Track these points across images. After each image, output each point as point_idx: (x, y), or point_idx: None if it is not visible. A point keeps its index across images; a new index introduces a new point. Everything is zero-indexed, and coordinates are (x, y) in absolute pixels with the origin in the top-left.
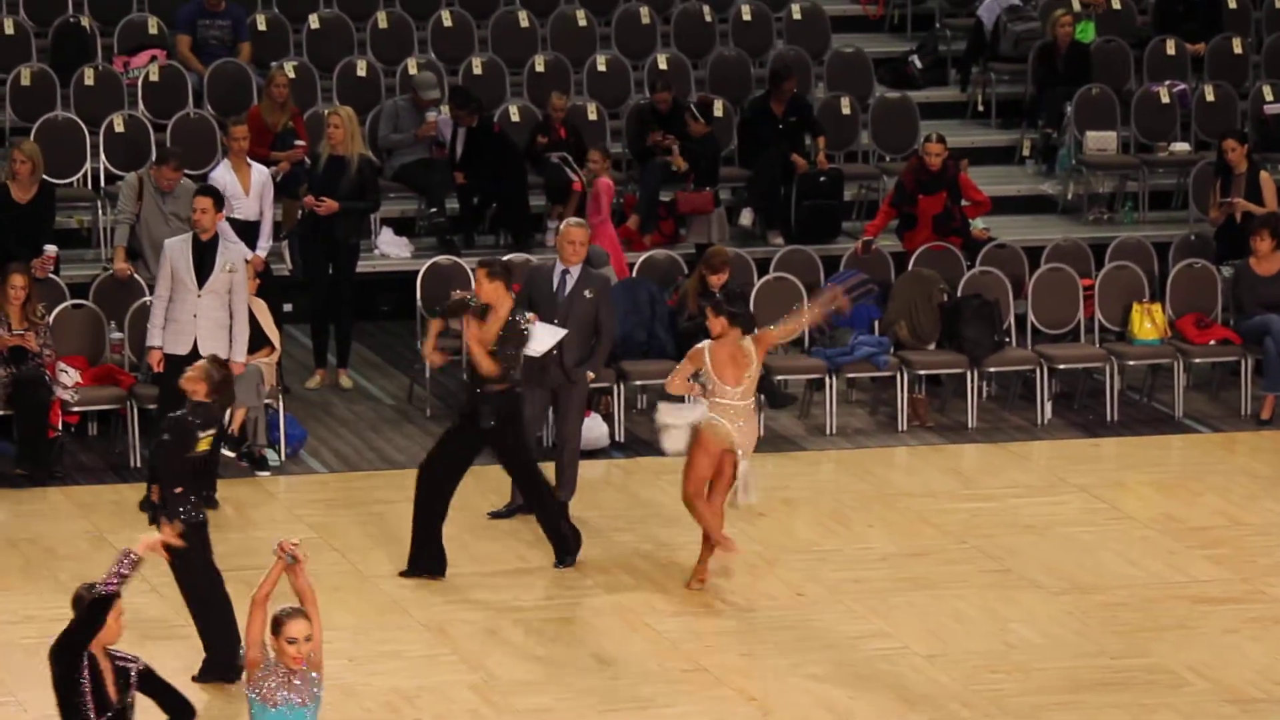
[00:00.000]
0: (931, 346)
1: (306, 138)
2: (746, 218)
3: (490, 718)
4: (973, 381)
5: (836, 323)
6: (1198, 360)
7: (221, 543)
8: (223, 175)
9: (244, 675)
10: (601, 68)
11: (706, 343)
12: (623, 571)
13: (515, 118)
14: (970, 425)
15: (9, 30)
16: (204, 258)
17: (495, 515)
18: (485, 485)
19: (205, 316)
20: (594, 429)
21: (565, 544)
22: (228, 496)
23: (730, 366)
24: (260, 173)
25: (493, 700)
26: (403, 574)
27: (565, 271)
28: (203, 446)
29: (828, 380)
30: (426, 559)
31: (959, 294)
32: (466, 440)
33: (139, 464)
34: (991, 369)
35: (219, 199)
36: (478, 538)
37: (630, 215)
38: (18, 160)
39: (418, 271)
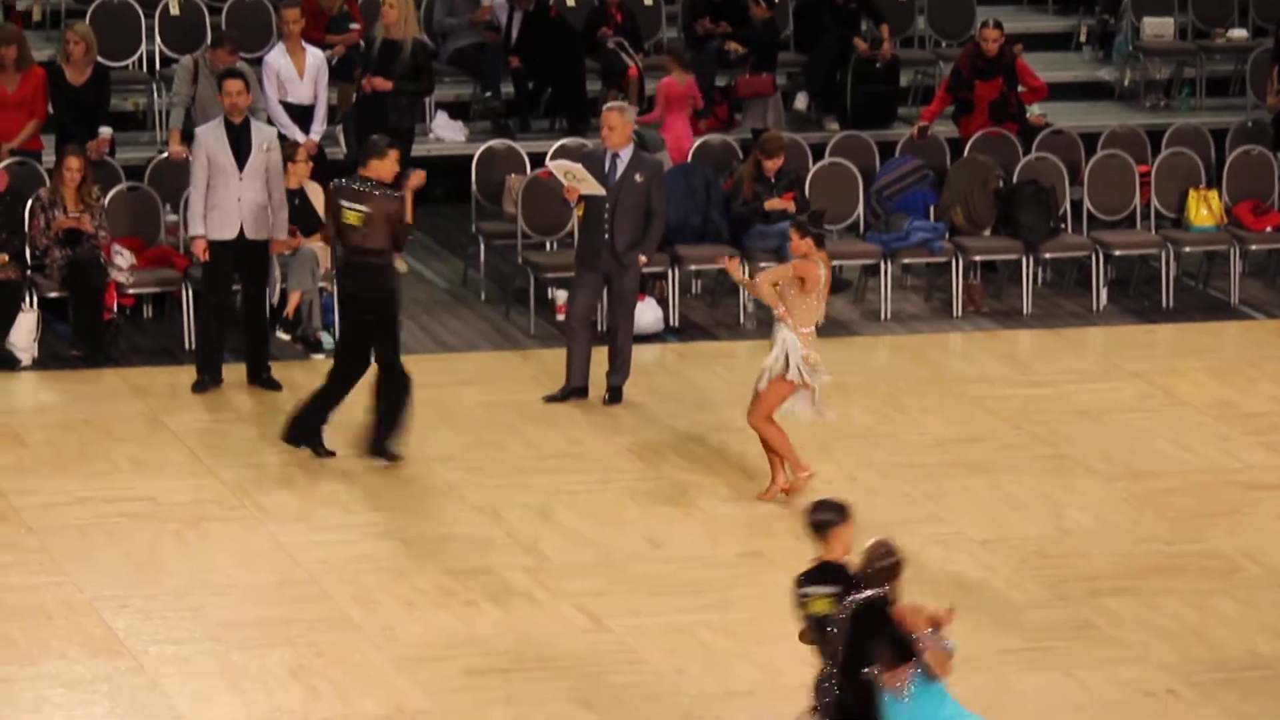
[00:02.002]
0: (987, 232)
1: (361, 21)
2: (802, 102)
3: (543, 600)
4: (1028, 267)
5: (892, 208)
6: (1254, 247)
7: (277, 426)
8: (277, 59)
9: None
10: None
11: (812, 259)
12: (676, 455)
13: (571, 2)
14: (1025, 311)
15: None
16: (240, 141)
17: (550, 399)
18: (538, 369)
19: (248, 199)
20: (648, 313)
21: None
22: (283, 378)
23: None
24: (315, 56)
25: (545, 583)
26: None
27: (615, 156)
28: None
29: (883, 265)
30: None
31: (1014, 180)
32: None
33: (193, 346)
34: (1047, 255)
35: (249, 81)
36: (531, 421)
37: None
38: (71, 42)
39: (472, 156)
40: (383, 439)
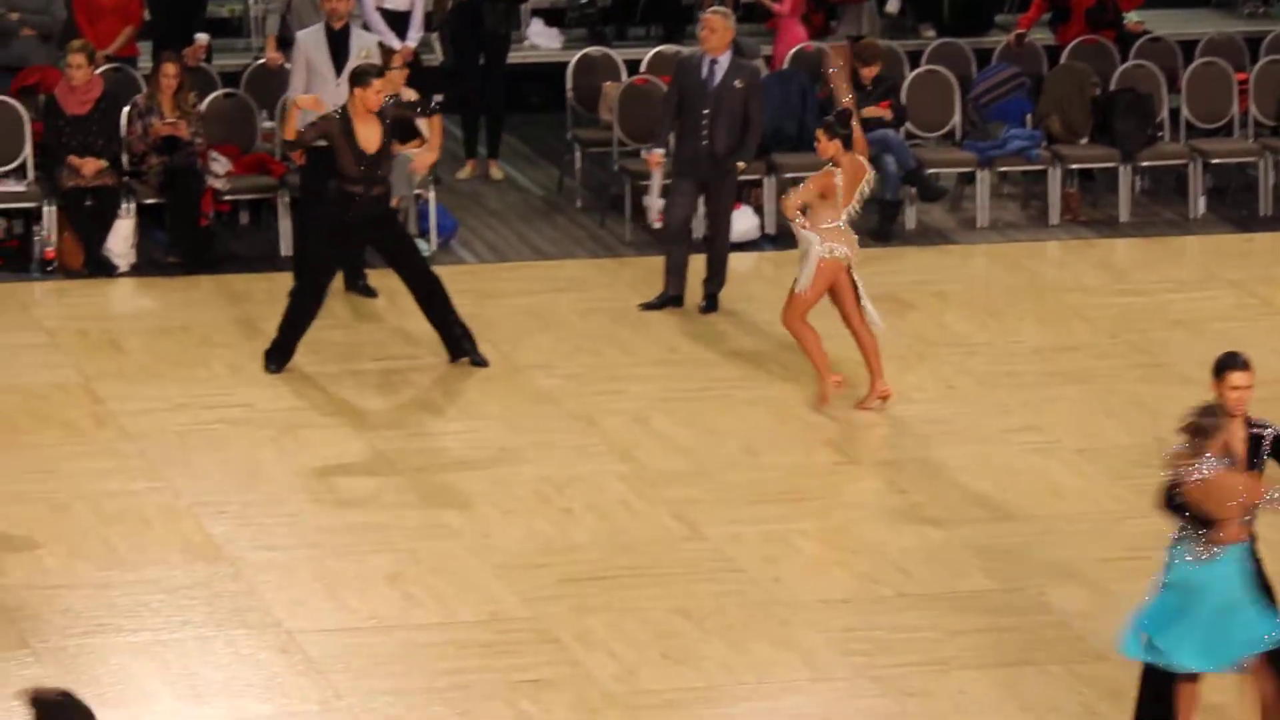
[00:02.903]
0: (1084, 140)
1: None
2: (894, 6)
3: (639, 508)
4: (1125, 175)
5: (989, 116)
6: None
7: (376, 331)
8: None
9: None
10: None
11: (829, 170)
12: (773, 363)
13: None
14: (1122, 219)
15: None
16: (338, 47)
17: (646, 306)
18: (635, 276)
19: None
20: (744, 220)
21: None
22: (380, 286)
23: (850, 190)
24: None
25: (641, 491)
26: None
27: (713, 61)
28: None
29: (979, 173)
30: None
31: (1112, 88)
32: None
33: (289, 252)
34: (1144, 163)
35: None
36: (628, 328)
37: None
38: None
39: (568, 63)
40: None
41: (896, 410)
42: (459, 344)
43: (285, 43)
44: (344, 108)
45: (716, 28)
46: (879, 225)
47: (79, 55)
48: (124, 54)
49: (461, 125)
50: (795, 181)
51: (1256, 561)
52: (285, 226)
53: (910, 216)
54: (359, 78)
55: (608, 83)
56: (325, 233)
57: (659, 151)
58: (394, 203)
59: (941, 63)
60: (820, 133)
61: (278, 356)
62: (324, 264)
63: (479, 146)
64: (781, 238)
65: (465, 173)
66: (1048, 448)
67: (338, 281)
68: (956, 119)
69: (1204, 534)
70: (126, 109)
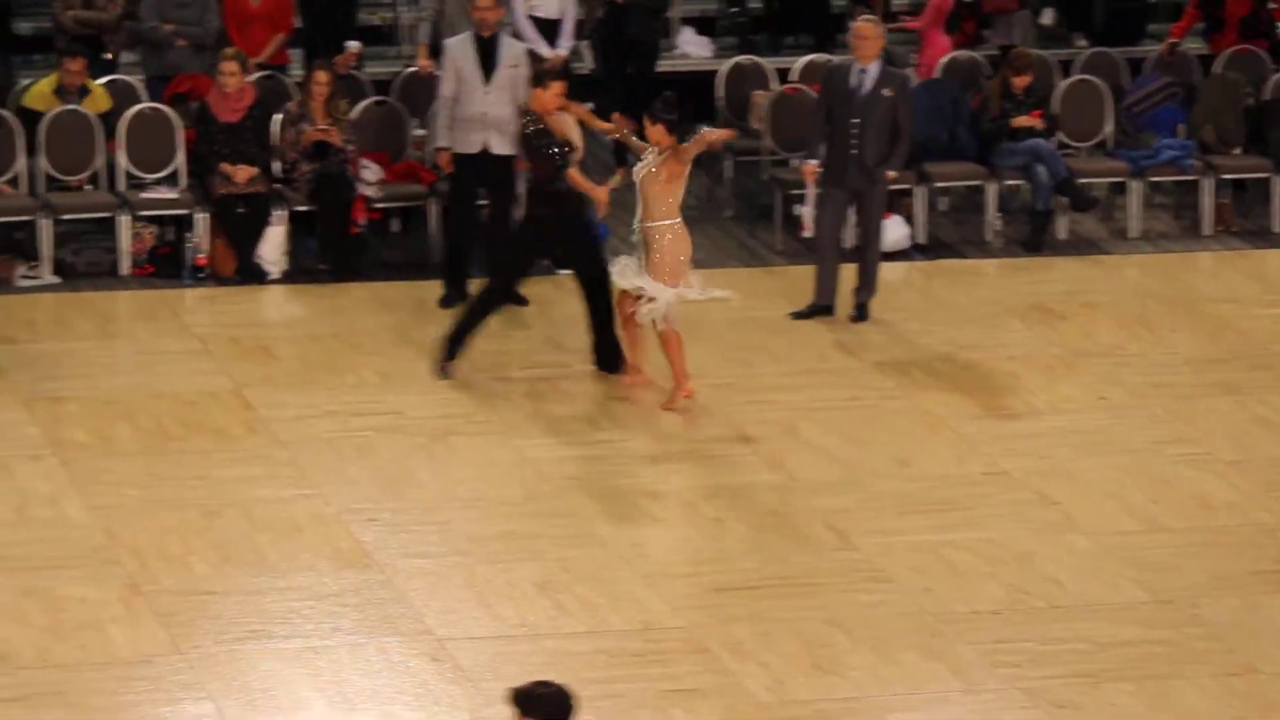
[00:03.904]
0: (1237, 150)
1: None
2: (1049, 18)
3: (790, 518)
4: (1278, 186)
5: (1141, 125)
6: None
7: (525, 341)
8: None
9: None
10: None
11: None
12: (923, 373)
13: None
14: (1275, 230)
15: None
16: (488, 55)
17: (796, 316)
18: (785, 285)
19: (494, 114)
20: (895, 230)
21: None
22: (532, 294)
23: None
24: None
25: (792, 500)
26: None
27: (863, 70)
28: None
29: (1131, 183)
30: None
31: (1266, 97)
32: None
33: (439, 260)
34: None
35: None
36: (778, 338)
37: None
38: None
39: (718, 72)
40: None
41: (1048, 420)
42: (609, 359)
43: (436, 50)
44: (533, 112)
45: (868, 36)
46: (1030, 235)
47: (231, 63)
48: (275, 62)
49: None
50: (945, 192)
51: None
52: (435, 234)
53: (1061, 226)
54: (538, 79)
55: (758, 91)
56: (527, 234)
57: (813, 163)
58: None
59: (1094, 72)
60: (645, 116)
61: (451, 348)
62: (516, 266)
63: (628, 155)
64: (933, 248)
65: (614, 181)
66: (1200, 459)
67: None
68: (1109, 129)
69: None
70: (278, 116)
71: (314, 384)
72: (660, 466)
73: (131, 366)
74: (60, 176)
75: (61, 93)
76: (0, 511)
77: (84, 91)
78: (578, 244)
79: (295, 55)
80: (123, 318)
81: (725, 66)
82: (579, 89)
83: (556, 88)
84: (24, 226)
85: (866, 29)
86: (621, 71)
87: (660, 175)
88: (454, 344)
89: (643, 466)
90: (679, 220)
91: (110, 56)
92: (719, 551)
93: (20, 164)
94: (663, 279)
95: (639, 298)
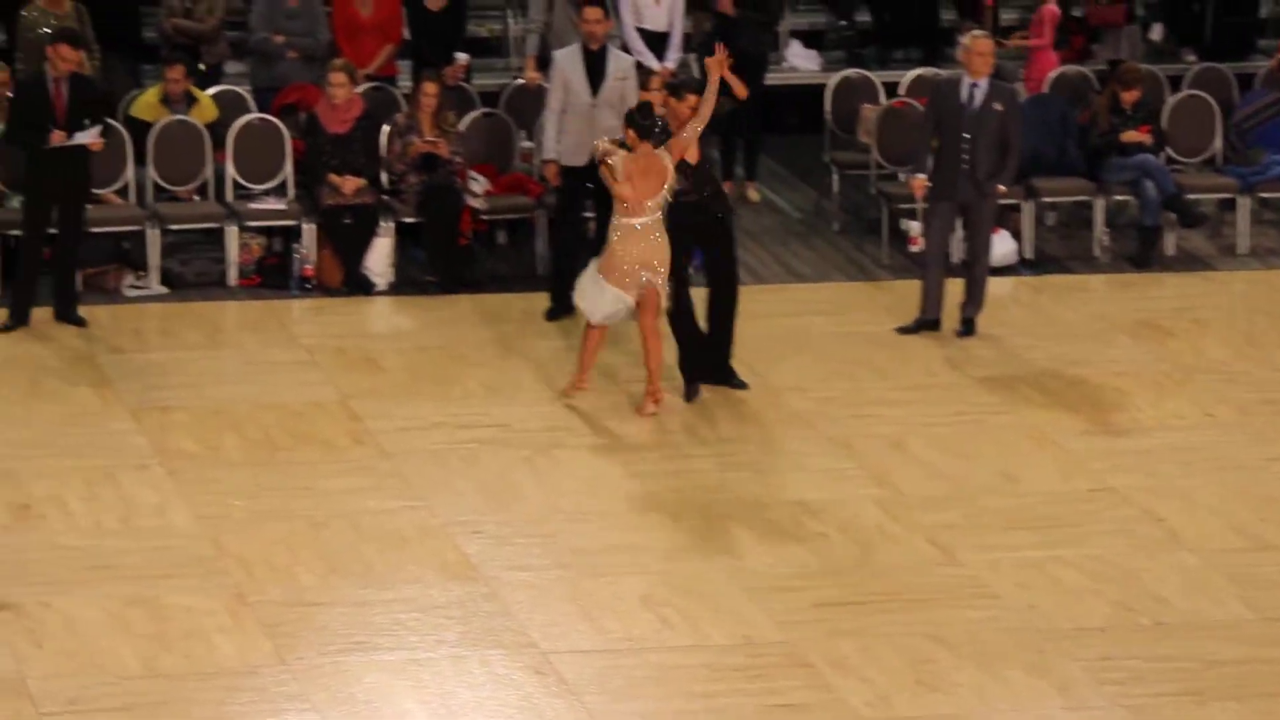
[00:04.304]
0: None
1: None
2: (1158, 33)
3: (895, 533)
4: None
5: (1251, 141)
6: None
7: (630, 355)
8: None
9: None
10: None
11: (622, 154)
12: (1030, 388)
13: None
14: None
15: None
16: (595, 67)
17: (903, 330)
18: (891, 300)
19: (602, 127)
20: (1002, 245)
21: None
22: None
23: (643, 180)
24: None
25: (897, 515)
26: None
27: (974, 85)
28: None
29: (1240, 199)
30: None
31: None
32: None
33: (547, 272)
34: None
35: (608, 8)
36: (884, 352)
37: None
38: None
39: (826, 85)
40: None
41: (1155, 436)
42: (721, 371)
43: (544, 62)
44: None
45: (984, 51)
46: (1138, 251)
47: (340, 74)
48: (384, 73)
49: (718, 146)
50: (1053, 207)
51: None
52: (542, 246)
53: (1170, 242)
54: (674, 90)
55: (866, 105)
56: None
57: (922, 177)
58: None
59: (1203, 88)
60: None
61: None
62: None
63: (736, 168)
64: (1041, 262)
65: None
66: None
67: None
68: (1217, 144)
69: None
70: (386, 128)
71: (420, 395)
72: (765, 480)
73: (239, 377)
74: (168, 187)
75: (168, 102)
76: (107, 521)
77: (191, 101)
78: (713, 248)
79: (404, 67)
80: (230, 328)
81: (833, 80)
82: None
83: (692, 100)
84: (132, 236)
85: (985, 45)
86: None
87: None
88: (689, 366)
89: (748, 479)
90: (634, 222)
91: (205, 67)
92: (823, 566)
93: (129, 174)
94: (608, 276)
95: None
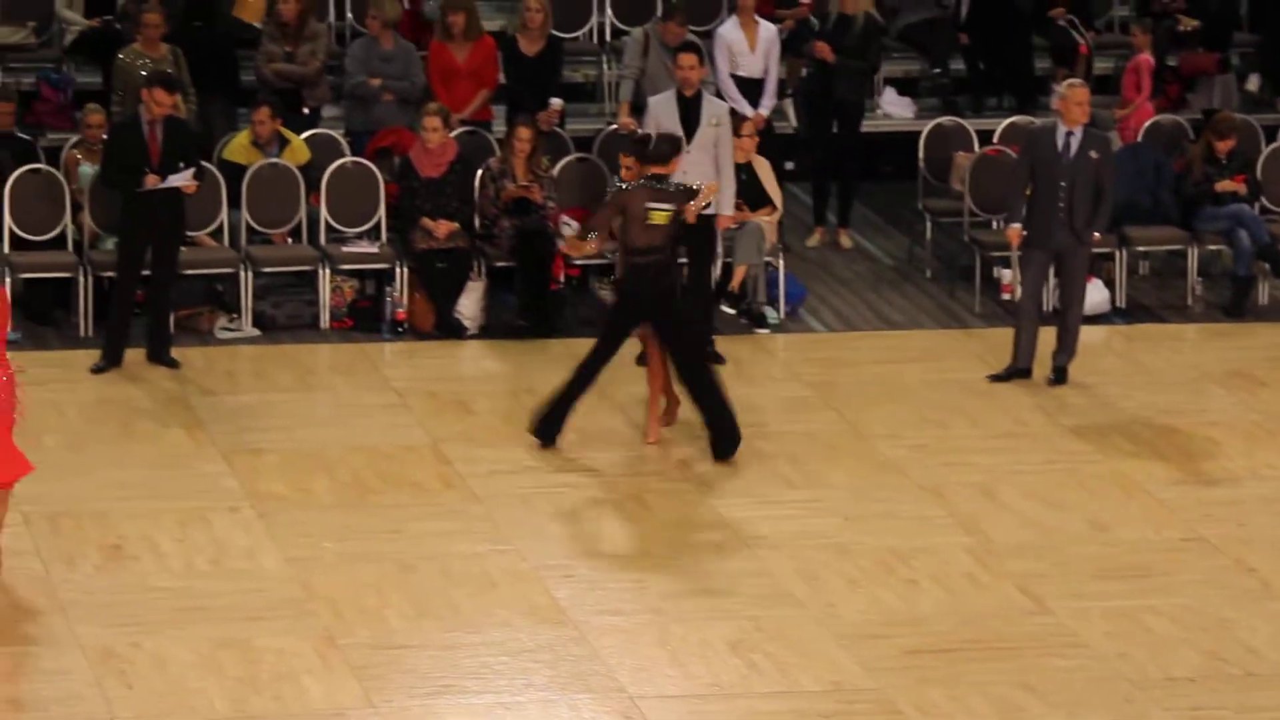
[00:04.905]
0: None
1: None
2: (1254, 83)
3: (984, 581)
4: None
5: None
6: None
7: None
8: (730, 31)
9: None
10: None
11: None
12: (1122, 438)
13: None
14: None
15: None
16: (690, 113)
17: (994, 378)
18: (983, 347)
19: (693, 172)
20: (1095, 293)
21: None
22: (728, 353)
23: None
24: (767, 29)
25: (987, 563)
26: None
27: (1069, 133)
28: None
29: None
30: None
31: None
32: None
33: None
34: None
35: (702, 55)
36: (976, 400)
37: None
38: (531, 10)
39: (920, 132)
40: (721, 438)
41: (1247, 486)
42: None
43: (638, 108)
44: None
45: (1082, 100)
46: (1231, 300)
47: (434, 118)
48: (479, 117)
49: (811, 193)
50: (1146, 256)
51: None
52: None
53: (1263, 292)
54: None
55: (959, 153)
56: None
57: (1017, 226)
58: (741, 270)
59: None
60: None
61: (548, 428)
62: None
63: (828, 214)
64: (1133, 311)
65: (813, 240)
66: None
67: None
68: None
69: None
70: (480, 172)
71: (510, 440)
72: (856, 526)
73: (330, 420)
74: (261, 229)
75: (259, 145)
76: (198, 563)
77: (283, 143)
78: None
79: (499, 111)
80: (322, 371)
81: (927, 127)
82: (781, 148)
83: (748, 129)
84: (225, 279)
85: (1083, 94)
86: (825, 131)
87: None
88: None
89: (839, 526)
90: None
91: (308, 110)
92: (912, 613)
93: (222, 216)
94: None
95: None
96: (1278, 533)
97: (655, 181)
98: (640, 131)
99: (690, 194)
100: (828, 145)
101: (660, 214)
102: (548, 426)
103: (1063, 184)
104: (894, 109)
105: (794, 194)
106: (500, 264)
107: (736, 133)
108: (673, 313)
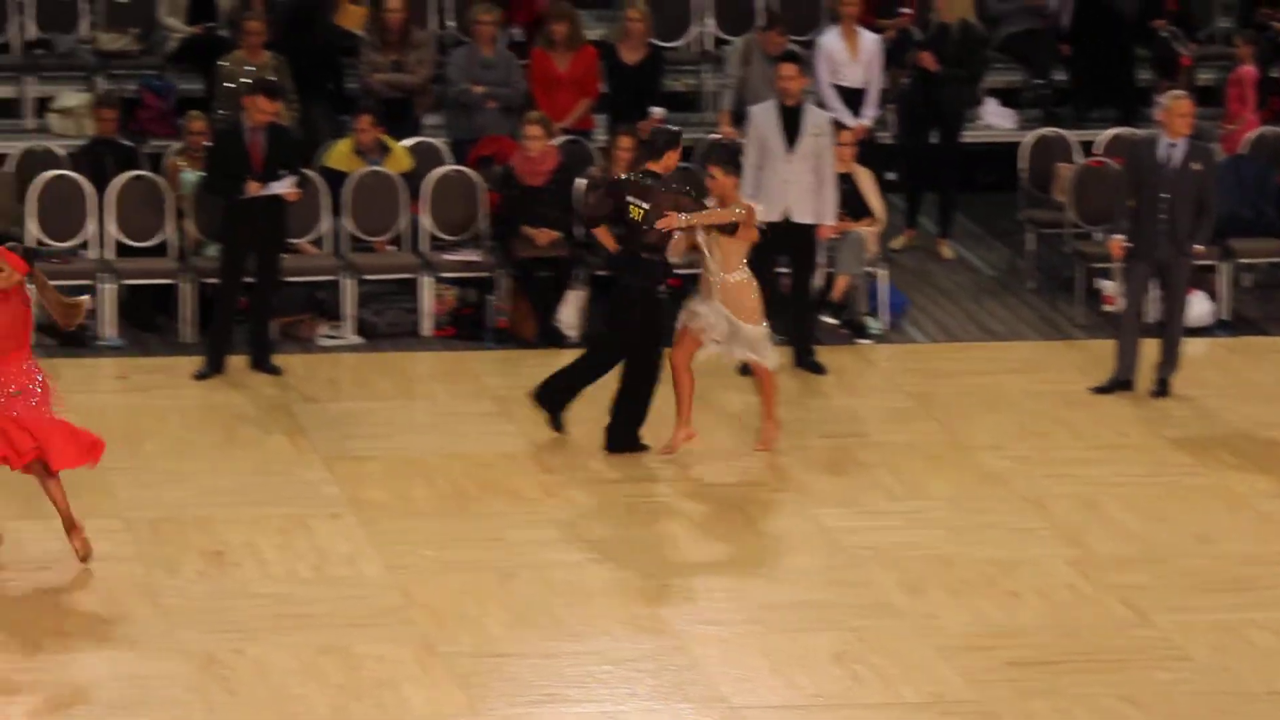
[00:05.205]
0: None
1: (914, 3)
2: None
3: (1087, 593)
4: None
5: None
6: None
7: (823, 410)
8: (831, 41)
9: None
10: None
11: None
12: (1225, 450)
13: None
14: None
15: None
16: (791, 123)
17: (1097, 390)
18: (1085, 359)
19: (796, 182)
20: (1198, 305)
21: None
22: (830, 363)
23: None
24: (869, 39)
25: (1089, 575)
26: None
27: (1172, 145)
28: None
29: None
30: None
31: None
32: None
33: None
34: None
35: (803, 65)
36: (1078, 411)
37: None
38: (631, 19)
39: (1021, 143)
40: (618, 433)
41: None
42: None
43: (739, 118)
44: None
45: (1183, 112)
46: None
47: (536, 127)
48: (580, 126)
49: (905, 196)
50: (1249, 268)
51: None
52: None
53: None
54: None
55: (1062, 164)
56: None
57: (1120, 237)
58: (844, 280)
59: None
60: (715, 168)
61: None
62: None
63: (917, 216)
64: (1236, 324)
65: (900, 241)
66: None
67: (788, 356)
68: None
69: None
70: (581, 181)
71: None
72: (959, 537)
73: (431, 427)
74: (363, 237)
75: (361, 153)
76: (299, 569)
77: (385, 151)
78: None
79: (600, 120)
80: (423, 378)
81: (1029, 138)
82: (880, 157)
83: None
84: (327, 286)
85: (1186, 105)
86: (925, 140)
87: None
88: (553, 400)
89: (941, 537)
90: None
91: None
92: (1014, 625)
93: (324, 224)
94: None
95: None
96: None
97: (646, 177)
98: (727, 140)
99: (678, 205)
100: (926, 154)
101: (636, 210)
102: (551, 400)
103: (1165, 196)
104: (996, 120)
105: (896, 204)
106: (601, 272)
107: (838, 142)
108: (637, 311)
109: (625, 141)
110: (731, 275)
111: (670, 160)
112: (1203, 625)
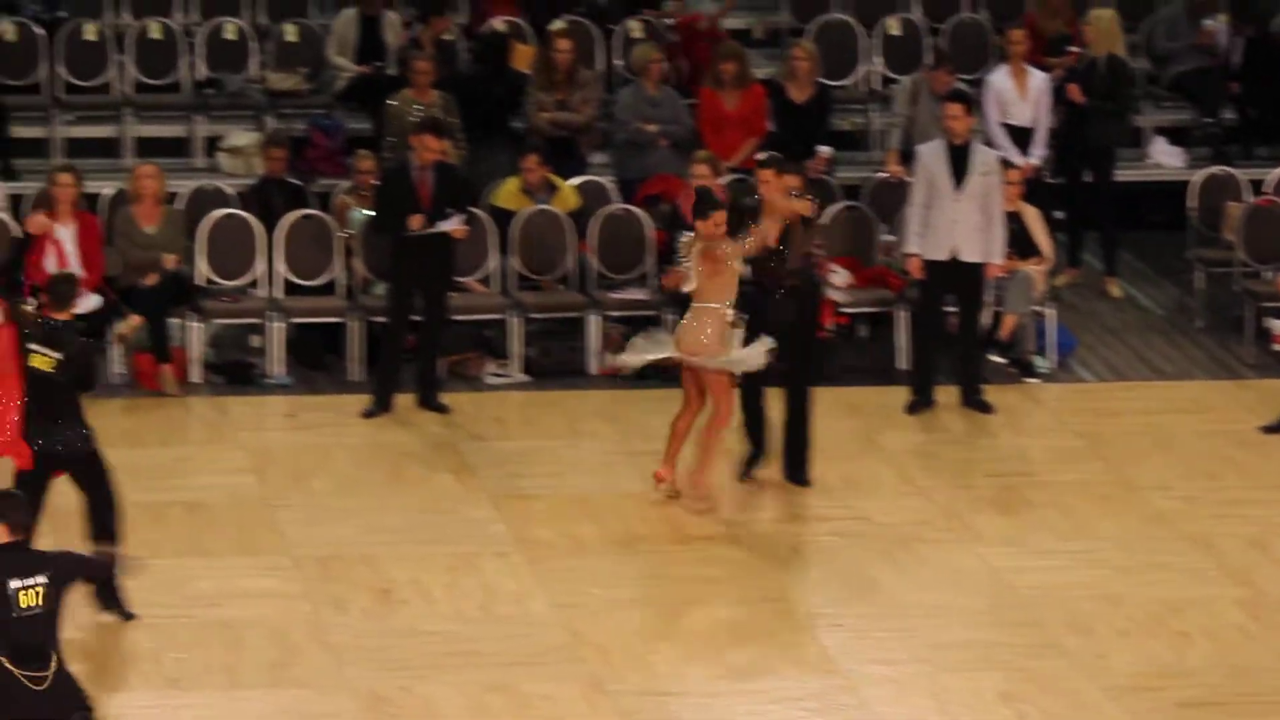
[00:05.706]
0: None
1: (1080, 43)
2: None
3: (1257, 633)
4: None
5: None
6: None
7: (990, 449)
8: (1000, 80)
9: None
10: None
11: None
12: None
13: None
14: None
15: None
16: (959, 162)
17: (1267, 429)
18: (1255, 399)
19: (963, 221)
20: None
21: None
22: (998, 402)
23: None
24: (1037, 78)
25: (1260, 616)
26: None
27: None
28: None
29: None
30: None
31: None
32: None
33: (906, 367)
34: None
35: (971, 104)
36: (1248, 451)
37: None
38: (798, 58)
39: (1190, 182)
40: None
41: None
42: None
43: (907, 156)
44: None
45: None
46: None
47: (703, 165)
48: (748, 165)
49: (1067, 235)
50: None
51: None
52: (902, 340)
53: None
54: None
55: (1231, 202)
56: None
57: None
58: (1012, 319)
59: None
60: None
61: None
62: None
63: (1080, 254)
64: None
65: (1062, 280)
66: None
67: (955, 396)
68: None
69: None
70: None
71: (778, 487)
72: (1128, 577)
73: (598, 466)
74: (531, 275)
75: (529, 191)
76: (466, 608)
77: (553, 190)
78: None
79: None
80: (590, 417)
81: (1198, 177)
82: (1047, 196)
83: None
84: (494, 324)
85: None
86: (1079, 177)
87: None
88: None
89: (1109, 577)
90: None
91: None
92: (1184, 665)
93: (492, 262)
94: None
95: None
96: None
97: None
98: (700, 188)
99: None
100: (1082, 192)
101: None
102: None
103: None
104: (1164, 158)
105: (1059, 242)
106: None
107: (1002, 180)
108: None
109: (766, 175)
110: (708, 304)
111: (718, 220)
112: None
